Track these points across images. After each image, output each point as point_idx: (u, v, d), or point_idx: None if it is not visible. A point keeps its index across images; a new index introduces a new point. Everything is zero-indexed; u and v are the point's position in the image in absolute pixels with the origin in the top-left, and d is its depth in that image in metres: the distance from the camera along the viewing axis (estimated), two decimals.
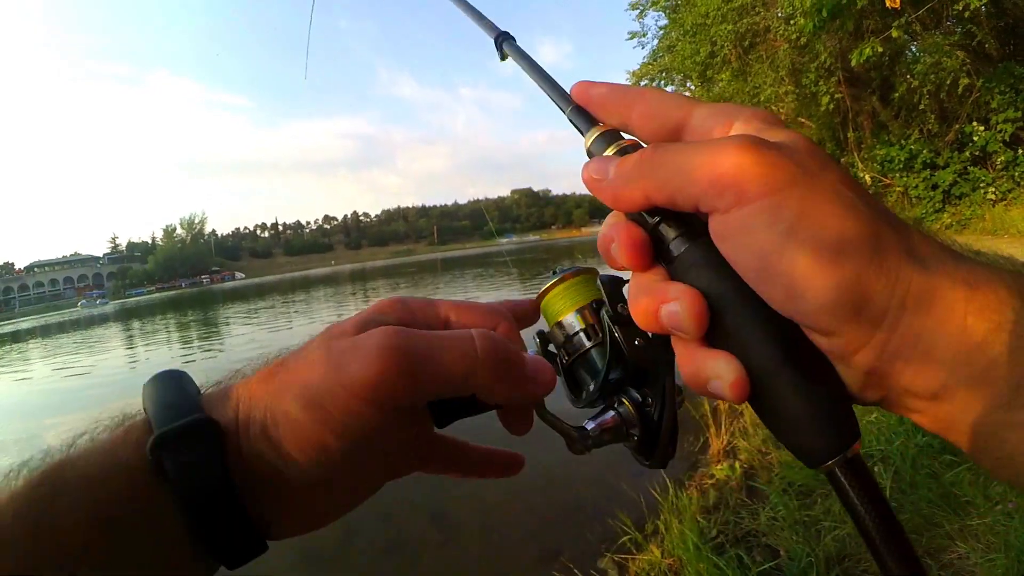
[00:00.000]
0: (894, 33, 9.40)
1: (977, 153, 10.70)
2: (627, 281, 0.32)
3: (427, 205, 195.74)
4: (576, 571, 2.31)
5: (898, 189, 11.68)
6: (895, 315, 0.23)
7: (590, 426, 0.37)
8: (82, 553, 0.24)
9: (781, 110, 12.80)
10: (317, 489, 0.30)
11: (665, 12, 15.49)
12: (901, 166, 11.55)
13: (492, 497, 3.20)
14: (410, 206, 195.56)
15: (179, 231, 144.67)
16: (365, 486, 0.34)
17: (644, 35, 16.44)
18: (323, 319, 15.96)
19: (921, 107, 11.10)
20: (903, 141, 11.62)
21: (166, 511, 0.26)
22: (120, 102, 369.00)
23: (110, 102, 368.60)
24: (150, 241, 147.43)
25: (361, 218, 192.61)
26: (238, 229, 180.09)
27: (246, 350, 11.47)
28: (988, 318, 0.22)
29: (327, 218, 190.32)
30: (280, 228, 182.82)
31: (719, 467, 2.93)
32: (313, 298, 26.59)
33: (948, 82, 10.33)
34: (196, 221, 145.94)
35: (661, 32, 16.17)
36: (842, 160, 12.87)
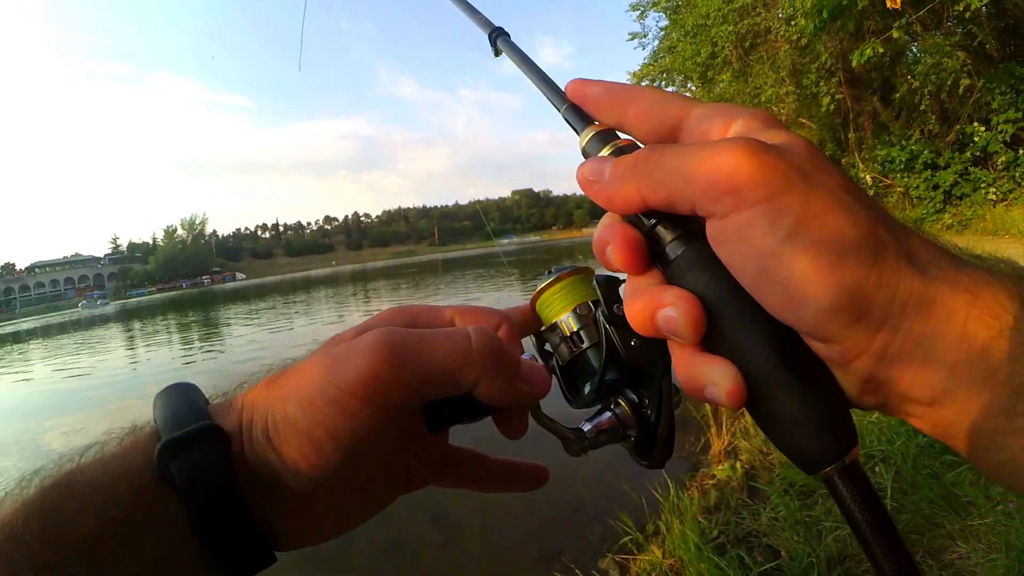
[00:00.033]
0: (895, 34, 9.42)
1: (978, 154, 10.71)
2: (623, 281, 0.32)
3: (428, 206, 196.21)
4: (577, 571, 2.31)
5: (899, 189, 11.69)
6: (895, 322, 0.23)
7: (586, 428, 0.37)
8: (89, 554, 0.24)
9: (782, 111, 12.80)
10: (322, 497, 0.30)
11: (666, 13, 15.53)
12: (902, 166, 11.56)
13: (492, 497, 3.18)
14: (411, 207, 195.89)
15: (180, 232, 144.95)
16: (373, 499, 0.34)
17: (645, 36, 16.52)
18: (324, 320, 15.98)
19: (922, 108, 11.12)
20: (904, 142, 11.63)
21: (173, 516, 0.26)
22: (120, 102, 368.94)
23: (110, 102, 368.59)
24: (151, 242, 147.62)
25: (362, 219, 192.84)
26: (239, 230, 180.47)
27: (247, 351, 11.49)
28: (988, 325, 0.22)
29: (328, 219, 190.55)
30: (281, 229, 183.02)
31: (720, 467, 2.93)
32: (314, 299, 26.60)
33: (949, 83, 10.35)
34: (197, 222, 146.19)
35: (662, 33, 16.25)
36: (843, 161, 12.89)
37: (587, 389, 0.38)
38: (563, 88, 0.35)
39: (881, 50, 9.95)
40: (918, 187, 11.35)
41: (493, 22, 0.45)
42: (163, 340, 17.28)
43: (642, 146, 0.31)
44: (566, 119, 0.35)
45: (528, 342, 0.42)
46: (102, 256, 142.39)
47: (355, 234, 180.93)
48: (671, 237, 0.28)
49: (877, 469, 2.43)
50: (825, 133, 13.48)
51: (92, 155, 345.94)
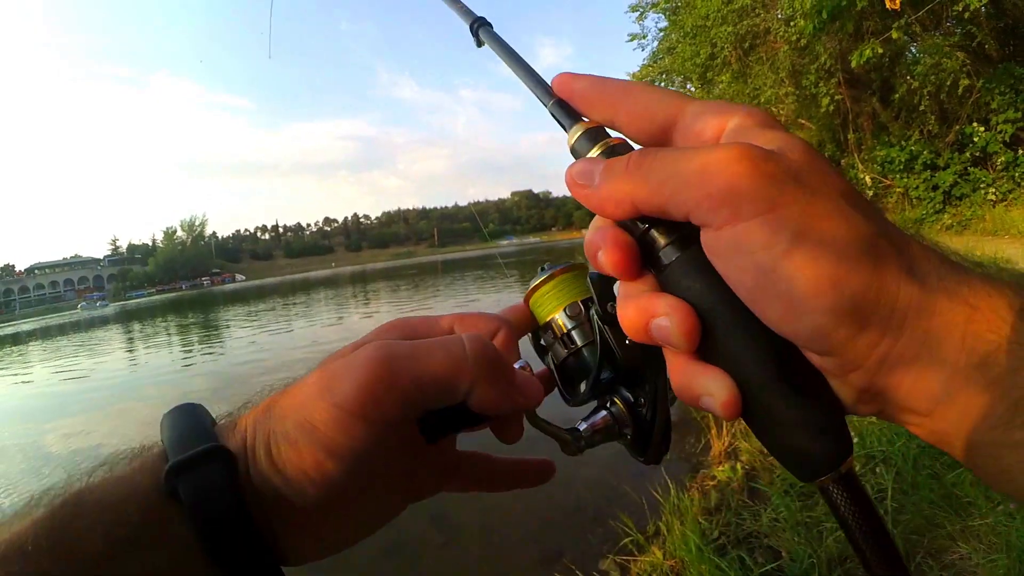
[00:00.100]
0: (894, 34, 9.42)
1: (977, 154, 10.71)
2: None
3: (427, 207, 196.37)
4: (578, 572, 2.30)
5: (898, 190, 11.69)
6: (893, 336, 0.23)
7: (582, 427, 0.37)
8: (98, 572, 0.24)
9: (781, 111, 12.81)
10: (328, 512, 0.30)
11: (665, 14, 15.53)
12: (901, 167, 11.56)
13: (492, 498, 3.20)
14: (410, 208, 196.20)
15: (179, 233, 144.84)
16: (379, 510, 0.34)
17: (644, 37, 16.51)
18: (323, 322, 15.98)
19: (921, 108, 11.12)
20: (903, 142, 11.63)
21: (181, 535, 0.26)
22: (120, 103, 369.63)
23: (110, 103, 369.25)
24: (150, 243, 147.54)
25: (361, 220, 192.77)
26: (238, 231, 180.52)
27: (246, 352, 11.49)
28: (987, 340, 0.22)
29: (327, 220, 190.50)
30: (280, 230, 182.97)
31: (720, 468, 2.92)
32: (313, 300, 26.58)
33: (948, 83, 10.35)
34: (196, 223, 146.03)
35: (661, 34, 16.25)
36: (842, 161, 12.90)
37: (583, 388, 0.38)
38: (550, 82, 0.34)
39: (880, 51, 9.95)
40: (917, 188, 11.35)
41: (474, 11, 0.43)
42: (162, 342, 17.27)
43: (634, 145, 0.30)
44: (553, 115, 0.33)
45: (525, 339, 0.42)
46: (101, 257, 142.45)
47: (355, 235, 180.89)
48: (665, 242, 0.27)
49: (878, 470, 2.43)
50: (824, 134, 13.49)
51: (92, 156, 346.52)
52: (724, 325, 0.26)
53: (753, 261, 0.23)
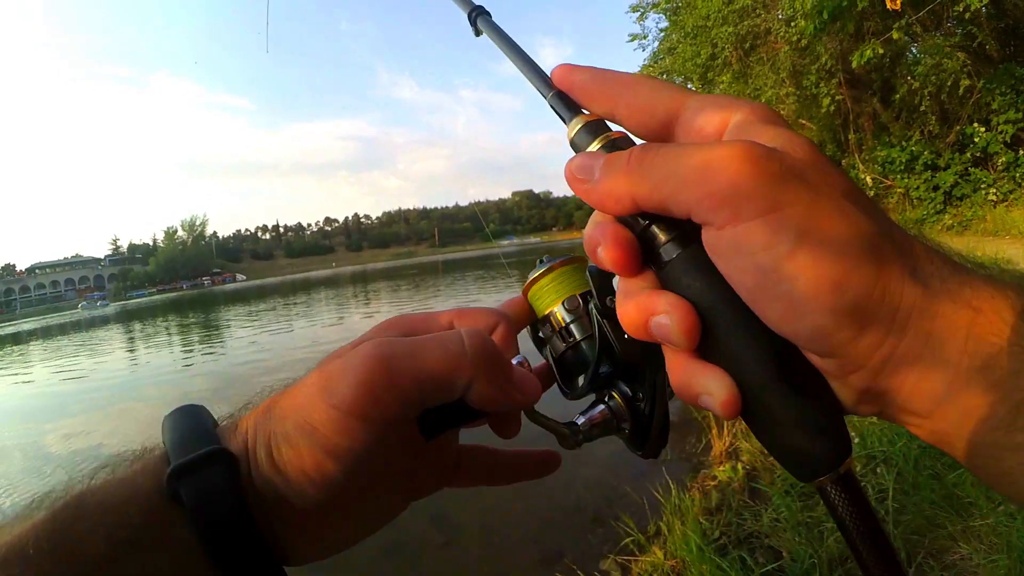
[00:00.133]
0: (895, 35, 9.42)
1: (978, 154, 10.70)
2: None
3: (428, 207, 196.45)
4: (579, 572, 2.30)
5: (899, 190, 11.68)
6: (895, 337, 0.22)
7: (580, 421, 0.36)
8: (99, 573, 0.24)
9: (782, 112, 12.78)
10: (329, 512, 0.30)
11: (666, 14, 15.52)
12: (902, 167, 11.55)
13: (493, 498, 3.20)
14: (411, 208, 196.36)
15: (180, 233, 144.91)
16: (380, 509, 0.34)
17: (645, 37, 16.49)
18: (324, 321, 15.98)
19: (922, 108, 11.11)
20: (904, 142, 11.63)
21: (183, 537, 0.26)
22: (120, 103, 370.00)
23: (111, 103, 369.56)
24: (151, 243, 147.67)
25: (362, 220, 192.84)
26: (239, 231, 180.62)
27: (247, 352, 11.49)
28: (990, 342, 0.22)
29: (328, 220, 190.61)
30: (281, 230, 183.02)
31: (721, 468, 2.92)
32: (314, 300, 26.59)
33: (949, 83, 10.34)
34: (197, 223, 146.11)
35: (662, 34, 16.24)
36: (843, 162, 12.89)
37: (581, 382, 0.38)
38: (549, 74, 0.33)
39: (881, 51, 9.96)
40: (918, 188, 11.34)
41: (474, 1, 0.42)
42: (163, 342, 17.27)
43: (635, 140, 0.30)
44: (552, 107, 0.32)
45: (523, 333, 0.42)
46: (102, 257, 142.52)
47: (355, 235, 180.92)
48: (666, 239, 0.27)
49: (879, 470, 2.43)
50: (825, 134, 13.48)
51: (92, 156, 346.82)
52: (724, 324, 0.25)
53: (754, 261, 0.23)
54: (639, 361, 0.34)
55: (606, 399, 0.37)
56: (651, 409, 0.35)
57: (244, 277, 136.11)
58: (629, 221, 0.28)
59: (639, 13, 15.91)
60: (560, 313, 0.39)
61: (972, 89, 10.30)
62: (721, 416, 0.26)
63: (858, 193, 0.24)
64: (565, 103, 0.32)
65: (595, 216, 0.29)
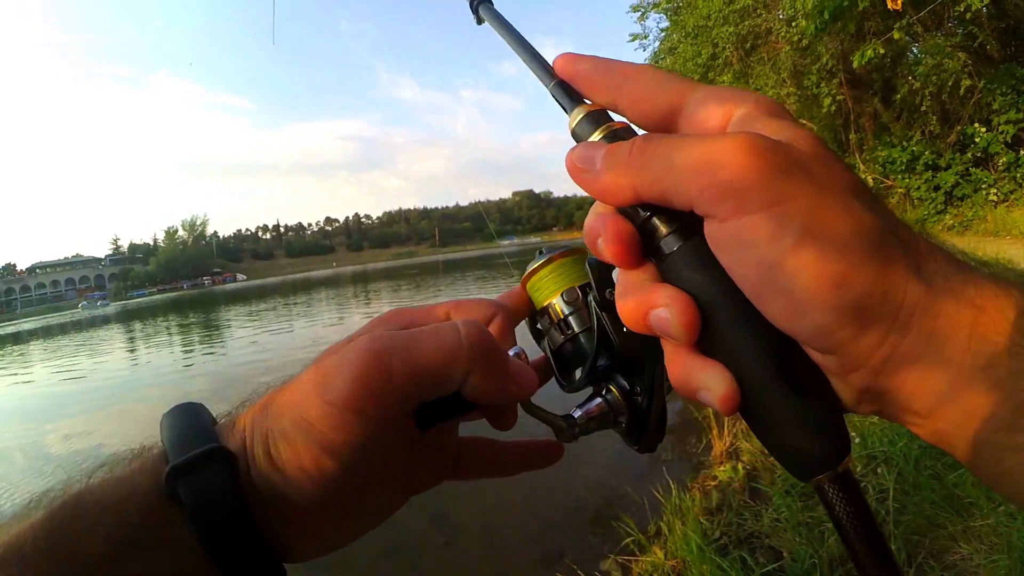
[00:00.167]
0: (896, 35, 9.42)
1: (979, 154, 10.69)
2: None
3: (428, 207, 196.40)
4: (579, 572, 2.30)
5: (900, 191, 11.67)
6: (898, 335, 0.22)
7: (577, 414, 0.36)
8: (98, 574, 0.24)
9: None
10: (329, 509, 0.30)
11: (667, 14, 15.51)
12: (903, 167, 11.55)
13: (493, 498, 3.20)
14: (411, 208, 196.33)
15: (181, 232, 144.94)
16: (381, 504, 0.34)
17: (645, 37, 16.46)
18: (324, 321, 15.98)
19: (923, 108, 11.10)
20: (905, 143, 11.62)
21: (182, 536, 0.26)
22: (121, 103, 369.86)
23: (111, 103, 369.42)
24: (152, 242, 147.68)
25: (362, 220, 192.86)
26: (239, 231, 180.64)
27: (247, 352, 11.49)
28: (992, 341, 0.22)
29: (328, 220, 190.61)
30: (282, 230, 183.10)
31: (722, 468, 2.92)
32: (315, 300, 26.61)
33: (950, 83, 10.33)
34: (198, 222, 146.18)
35: (663, 34, 16.22)
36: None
37: (578, 374, 0.38)
38: (551, 63, 0.33)
39: (882, 51, 9.95)
40: (919, 188, 11.33)
41: None
42: (163, 342, 17.29)
43: (637, 130, 0.30)
44: (554, 96, 0.32)
45: (521, 325, 0.42)
46: (103, 257, 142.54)
47: (356, 235, 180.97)
48: (667, 231, 0.27)
49: (879, 470, 2.43)
50: (826, 134, 13.46)
51: (93, 156, 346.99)
52: (725, 318, 0.25)
53: (757, 255, 0.23)
54: (638, 355, 0.34)
55: (603, 392, 0.36)
56: (649, 403, 0.34)
57: (244, 277, 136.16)
58: (630, 213, 0.28)
59: (640, 13, 15.92)
60: (559, 305, 0.39)
61: (973, 89, 10.29)
62: (720, 412, 0.25)
63: (862, 189, 0.24)
64: (567, 92, 0.31)
65: (596, 207, 0.29)
